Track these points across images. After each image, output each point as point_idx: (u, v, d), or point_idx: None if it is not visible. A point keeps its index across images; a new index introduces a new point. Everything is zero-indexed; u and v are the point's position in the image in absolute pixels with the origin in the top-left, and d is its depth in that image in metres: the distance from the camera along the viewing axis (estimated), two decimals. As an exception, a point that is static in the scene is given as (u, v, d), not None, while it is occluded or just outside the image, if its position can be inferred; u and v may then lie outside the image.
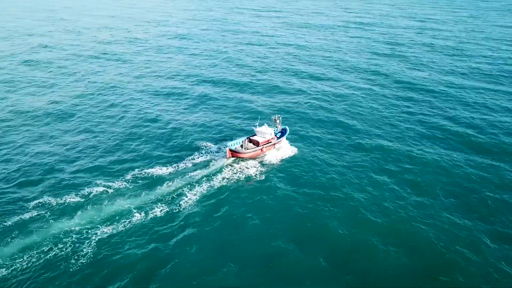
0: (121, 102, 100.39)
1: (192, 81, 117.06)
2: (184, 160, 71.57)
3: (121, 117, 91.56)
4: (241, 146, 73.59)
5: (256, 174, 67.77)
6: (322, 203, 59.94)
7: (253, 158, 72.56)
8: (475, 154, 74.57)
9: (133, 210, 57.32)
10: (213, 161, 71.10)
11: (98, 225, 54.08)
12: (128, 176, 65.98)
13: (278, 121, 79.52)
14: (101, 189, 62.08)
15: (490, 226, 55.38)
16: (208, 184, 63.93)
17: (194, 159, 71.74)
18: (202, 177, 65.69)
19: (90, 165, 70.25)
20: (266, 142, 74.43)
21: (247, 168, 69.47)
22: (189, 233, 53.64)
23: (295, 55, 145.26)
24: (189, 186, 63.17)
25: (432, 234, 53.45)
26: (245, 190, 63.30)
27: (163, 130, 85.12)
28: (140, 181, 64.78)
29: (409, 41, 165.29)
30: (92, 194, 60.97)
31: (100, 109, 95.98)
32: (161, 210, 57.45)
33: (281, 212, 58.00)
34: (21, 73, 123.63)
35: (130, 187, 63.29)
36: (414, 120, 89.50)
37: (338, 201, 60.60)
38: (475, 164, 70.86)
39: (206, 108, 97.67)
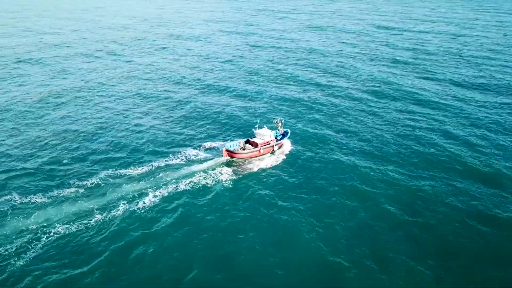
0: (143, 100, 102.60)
1: (197, 84, 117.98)
2: (178, 157, 72.18)
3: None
4: (240, 148, 73.61)
5: (239, 176, 66.93)
6: (299, 213, 57.54)
7: (250, 159, 72.13)
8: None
9: (120, 202, 58.29)
10: (208, 160, 71.14)
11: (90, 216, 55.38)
12: (116, 172, 67.20)
13: (280, 123, 78.73)
14: (73, 190, 62.02)
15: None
16: (190, 183, 63.82)
17: (190, 157, 72.01)
18: (192, 173, 66.13)
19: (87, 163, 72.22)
20: (264, 144, 73.84)
21: (237, 169, 69.18)
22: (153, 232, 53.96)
23: (310, 59, 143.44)
24: (161, 185, 63.27)
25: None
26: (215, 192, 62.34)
27: (165, 127, 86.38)
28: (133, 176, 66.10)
29: (435, 48, 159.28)
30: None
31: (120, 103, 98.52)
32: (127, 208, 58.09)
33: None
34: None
35: (129, 178, 64.93)
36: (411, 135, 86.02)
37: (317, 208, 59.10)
38: None
39: (210, 108, 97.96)
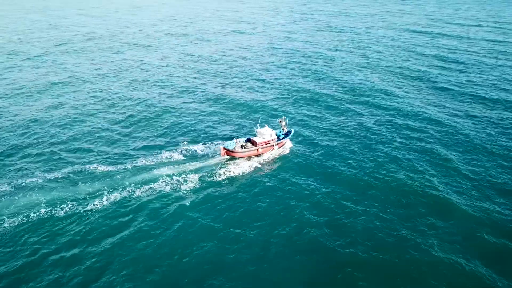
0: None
1: (208, 80, 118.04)
2: (179, 153, 71.63)
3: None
4: (241, 146, 72.39)
5: (231, 175, 65.59)
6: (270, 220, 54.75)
7: (249, 158, 70.53)
8: None
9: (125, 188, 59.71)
10: (207, 158, 70.31)
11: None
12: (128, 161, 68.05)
13: (284, 123, 76.82)
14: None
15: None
16: (187, 178, 63.32)
17: (189, 153, 71.44)
18: (189, 171, 65.27)
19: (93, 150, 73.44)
20: (264, 143, 72.07)
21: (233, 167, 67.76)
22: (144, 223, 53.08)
23: (329, 60, 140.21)
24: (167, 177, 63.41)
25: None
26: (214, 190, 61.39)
27: (170, 122, 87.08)
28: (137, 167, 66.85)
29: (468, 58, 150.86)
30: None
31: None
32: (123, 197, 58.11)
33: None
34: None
35: (131, 168, 66.09)
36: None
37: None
38: None
39: (217, 107, 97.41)
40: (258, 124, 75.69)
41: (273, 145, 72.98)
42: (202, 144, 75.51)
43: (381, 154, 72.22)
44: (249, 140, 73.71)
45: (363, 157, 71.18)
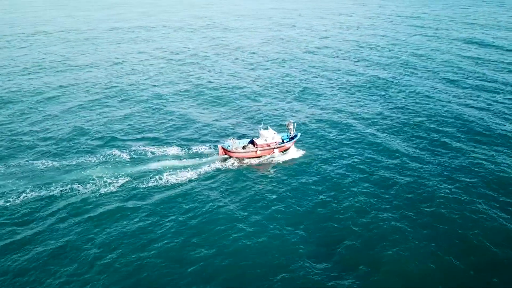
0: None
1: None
2: (179, 148, 73.17)
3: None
4: (243, 147, 71.75)
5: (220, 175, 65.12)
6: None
7: (246, 159, 69.67)
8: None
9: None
10: (204, 156, 70.85)
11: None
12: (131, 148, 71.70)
13: (291, 126, 74.07)
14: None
15: None
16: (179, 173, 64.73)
17: (192, 151, 72.44)
18: (184, 167, 66.75)
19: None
20: (264, 145, 70.46)
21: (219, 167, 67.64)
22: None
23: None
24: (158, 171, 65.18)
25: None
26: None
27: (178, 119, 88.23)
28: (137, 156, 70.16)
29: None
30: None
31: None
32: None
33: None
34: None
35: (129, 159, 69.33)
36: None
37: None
38: None
39: (226, 106, 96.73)
40: (261, 126, 74.03)
41: (273, 148, 71.00)
42: (204, 143, 76.15)
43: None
44: (251, 142, 72.61)
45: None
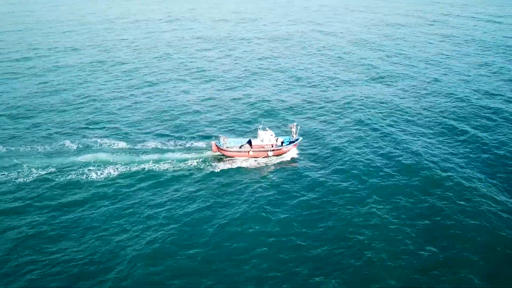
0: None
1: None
2: (174, 142, 72.71)
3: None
4: (240, 146, 69.41)
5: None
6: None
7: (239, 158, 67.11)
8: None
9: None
10: (199, 150, 69.79)
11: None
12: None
13: (294, 129, 69.88)
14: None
15: None
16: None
17: (186, 145, 71.57)
18: (173, 160, 66.44)
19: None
20: (257, 147, 67.50)
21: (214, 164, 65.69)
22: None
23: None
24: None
25: None
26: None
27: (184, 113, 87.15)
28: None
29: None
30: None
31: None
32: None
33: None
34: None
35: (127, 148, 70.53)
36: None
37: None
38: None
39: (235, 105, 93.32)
40: (260, 126, 70.67)
41: (267, 151, 67.33)
42: (200, 138, 74.97)
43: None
44: (249, 142, 69.77)
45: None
